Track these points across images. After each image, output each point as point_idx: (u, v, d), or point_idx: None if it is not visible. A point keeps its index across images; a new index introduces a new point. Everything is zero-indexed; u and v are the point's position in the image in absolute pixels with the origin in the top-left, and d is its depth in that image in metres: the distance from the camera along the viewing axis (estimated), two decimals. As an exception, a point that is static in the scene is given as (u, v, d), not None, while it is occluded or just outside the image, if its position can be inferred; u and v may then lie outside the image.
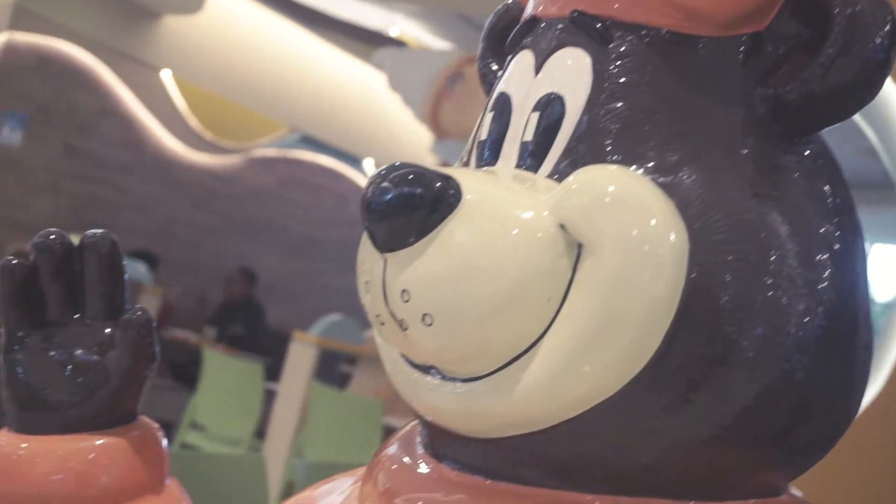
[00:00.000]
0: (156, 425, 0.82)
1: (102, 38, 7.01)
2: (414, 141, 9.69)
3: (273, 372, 5.59)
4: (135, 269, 6.49)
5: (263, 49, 7.97)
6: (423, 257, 0.58)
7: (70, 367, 0.76)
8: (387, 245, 0.60)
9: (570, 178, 0.59)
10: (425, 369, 0.63)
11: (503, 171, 0.65)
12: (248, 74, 7.99)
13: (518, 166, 0.65)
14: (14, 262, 0.77)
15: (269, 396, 5.41)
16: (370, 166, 9.39)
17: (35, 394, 0.77)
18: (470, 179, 0.60)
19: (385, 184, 0.59)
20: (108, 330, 0.78)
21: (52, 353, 0.77)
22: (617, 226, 0.57)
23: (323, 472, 2.28)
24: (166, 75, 7.49)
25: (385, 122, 9.23)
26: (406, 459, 0.68)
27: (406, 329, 0.60)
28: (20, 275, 0.77)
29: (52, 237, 0.78)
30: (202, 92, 7.74)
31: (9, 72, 6.55)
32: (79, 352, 0.77)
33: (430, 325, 0.58)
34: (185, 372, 7.11)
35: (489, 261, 0.57)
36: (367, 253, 0.63)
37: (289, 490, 4.19)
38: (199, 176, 7.90)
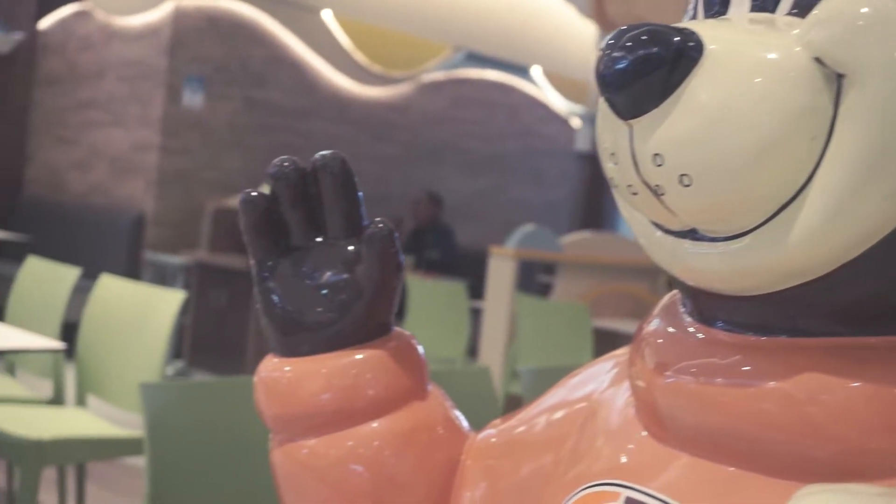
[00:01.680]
0: (409, 333, 0.83)
1: (262, -10, 7.14)
2: (579, 40, 9.52)
3: (473, 291, 5.67)
4: (328, 209, 6.67)
5: (417, -27, 7.97)
6: (672, 117, 0.56)
7: (324, 287, 0.78)
8: (630, 112, 0.58)
9: (816, 9, 0.56)
10: (684, 234, 0.61)
11: (738, 17, 0.62)
12: (405, 2, 8.00)
13: (753, 9, 0.61)
14: (254, 194, 0.79)
15: (475, 315, 5.49)
16: (538, 74, 9.29)
17: (293, 318, 0.79)
18: (708, 29, 0.58)
19: (618, 51, 0.57)
20: (351, 247, 0.79)
21: (303, 276, 0.79)
22: (880, 49, 0.53)
23: (549, 376, 2.30)
24: (327, 15, 7.58)
25: (547, 26, 9.10)
26: (672, 330, 0.67)
27: (662, 195, 0.58)
28: (262, 205, 0.79)
29: (285, 164, 0.80)
30: (364, 26, 7.81)
31: (182, 37, 6.77)
32: (329, 272, 0.78)
33: (688, 185, 0.56)
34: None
35: (743, 109, 0.55)
36: (608, 123, 0.61)
37: (512, 403, 4.26)
38: (374, 109, 8.01)
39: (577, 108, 9.89)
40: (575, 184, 10.51)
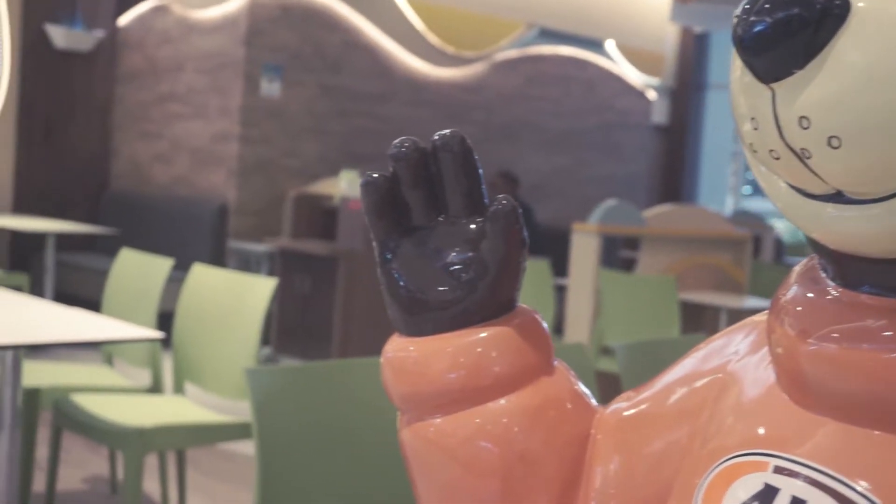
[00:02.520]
0: (532, 309, 0.83)
1: (334, -24, 7.18)
2: (652, 12, 9.42)
3: (556, 268, 5.65)
4: (408, 192, 6.69)
5: (487, -49, 7.94)
6: (818, 79, 0.55)
7: (448, 266, 0.78)
8: (772, 76, 0.57)
9: None
10: (828, 198, 0.59)
11: None
12: (476, -20, 7.97)
13: None
14: (375, 175, 0.80)
15: (558, 292, 5.47)
16: (612, 48, 9.20)
17: (418, 298, 0.79)
18: None
19: (756, 14, 0.56)
20: (474, 225, 0.79)
21: (427, 256, 0.79)
22: None
23: (643, 351, 2.28)
24: (400, -1, 7.59)
25: (620, -1, 9.02)
26: (812, 296, 0.65)
27: (808, 158, 0.57)
28: (383, 186, 0.79)
29: (406, 145, 0.80)
30: (436, 7, 7.80)
31: (258, 27, 6.84)
32: (452, 251, 0.79)
33: (836, 147, 0.55)
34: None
35: (894, 67, 0.53)
36: (746, 87, 0.60)
37: (602, 380, 4.24)
38: (448, 90, 8.01)
39: (653, 80, 9.77)
40: (652, 157, 10.41)
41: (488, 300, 0.80)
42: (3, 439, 2.73)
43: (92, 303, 3.70)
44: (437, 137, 0.80)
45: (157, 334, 2.76)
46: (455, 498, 0.81)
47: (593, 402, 0.83)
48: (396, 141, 0.80)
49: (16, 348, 2.66)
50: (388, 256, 0.82)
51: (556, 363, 0.83)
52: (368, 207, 0.81)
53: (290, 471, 1.68)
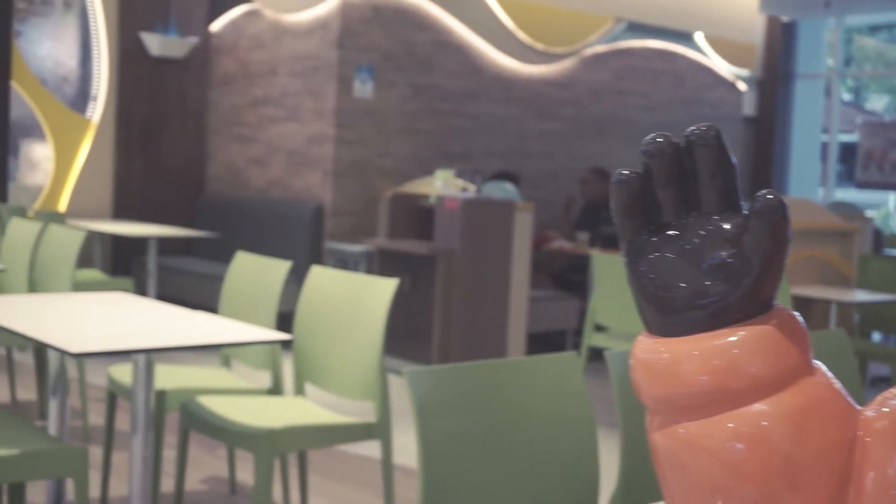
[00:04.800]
0: (787, 307, 0.81)
1: (424, -25, 7.19)
2: (741, 2, 9.27)
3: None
4: (504, 190, 6.68)
5: (575, -54, 7.88)
6: None
7: (705, 264, 0.76)
8: None
9: None
10: None
11: None
12: (564, -25, 7.93)
13: None
14: (628, 173, 0.78)
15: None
16: (701, 40, 9.08)
17: (671, 297, 0.77)
18: None
19: None
20: (732, 221, 0.77)
21: (680, 255, 0.77)
22: None
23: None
24: (489, -4, 7.58)
25: (709, -11, 8.89)
26: None
27: None
28: (636, 184, 0.78)
29: (660, 141, 0.78)
30: (525, 5, 7.77)
31: (350, 29, 6.88)
32: (709, 248, 0.76)
33: None
34: (565, 279, 7.28)
35: None
36: None
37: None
38: (538, 87, 7.98)
39: (742, 71, 9.62)
40: (743, 149, 10.25)
41: (748, 299, 0.77)
42: (137, 440, 2.77)
43: (192, 305, 3.75)
44: (691, 132, 0.77)
45: (286, 336, 2.78)
46: (714, 499, 0.79)
47: (854, 403, 0.80)
48: (649, 137, 0.78)
49: (148, 352, 2.70)
50: (639, 256, 0.80)
51: (816, 363, 0.80)
52: (620, 206, 0.79)
53: (450, 468, 1.67)
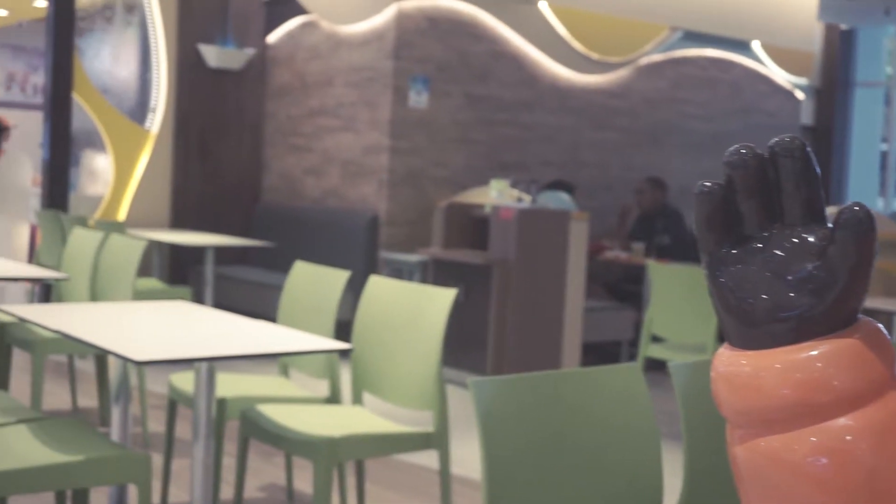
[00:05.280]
0: (871, 320, 0.80)
1: (479, -14, 7.21)
2: (799, 10, 9.17)
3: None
4: (560, 200, 6.66)
5: (630, -45, 7.86)
6: None
7: (790, 276, 0.75)
8: None
9: None
10: None
11: None
12: (620, -15, 7.90)
13: None
14: (710, 185, 0.77)
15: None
16: (758, 48, 9.00)
17: (754, 309, 0.77)
18: None
19: None
20: (816, 233, 0.76)
21: (763, 267, 0.77)
22: None
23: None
24: (544, 6, 7.57)
25: (766, -3, 8.81)
26: None
27: None
28: (719, 196, 0.77)
29: (743, 152, 0.78)
30: (580, 14, 7.76)
31: (405, 39, 6.91)
32: (794, 260, 0.76)
33: None
34: (620, 289, 7.24)
35: None
36: None
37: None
38: (593, 96, 7.95)
39: (800, 80, 9.52)
40: (801, 159, 10.12)
41: (833, 312, 0.77)
42: (199, 447, 2.80)
43: (247, 313, 3.77)
44: (776, 143, 0.77)
45: (346, 345, 2.80)
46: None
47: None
48: (732, 148, 0.78)
49: (210, 360, 2.73)
50: (720, 268, 0.79)
51: (902, 374, 0.79)
52: (701, 218, 0.79)
53: (513, 478, 1.67)
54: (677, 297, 5.15)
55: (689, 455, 1.94)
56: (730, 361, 0.80)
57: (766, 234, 0.78)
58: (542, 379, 1.76)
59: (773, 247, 0.77)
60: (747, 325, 0.78)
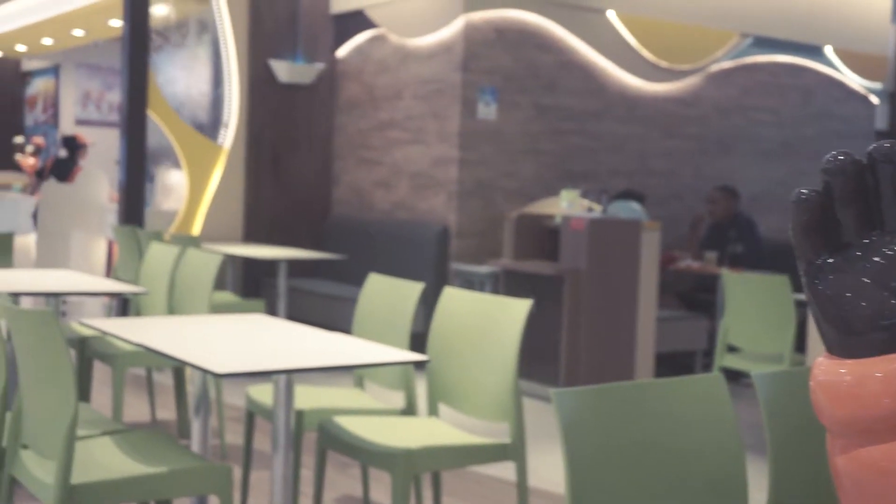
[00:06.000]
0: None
1: (546, -4, 7.21)
2: (872, 13, 9.01)
3: (795, 284, 5.43)
4: (631, 209, 6.62)
5: (699, -38, 7.80)
6: None
7: (891, 283, 0.75)
8: None
9: None
10: None
11: None
12: (688, -8, 7.84)
13: None
14: (808, 192, 0.77)
15: (799, 308, 5.26)
16: (831, 53, 8.86)
17: (854, 318, 0.76)
18: None
19: None
20: (917, 241, 0.75)
21: (864, 274, 0.76)
22: None
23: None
24: (612, 15, 7.54)
25: (837, 1, 8.67)
26: None
27: None
28: (817, 204, 0.76)
29: (841, 158, 0.77)
30: (649, 22, 7.72)
31: (473, 51, 6.93)
32: (893, 267, 0.75)
33: None
34: (692, 299, 7.17)
35: None
36: None
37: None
38: (663, 105, 7.90)
39: (874, 84, 9.36)
40: (876, 164, 9.93)
41: (936, 320, 0.75)
42: (278, 459, 2.83)
43: (319, 326, 3.80)
44: (875, 149, 0.76)
45: (422, 357, 2.81)
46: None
47: None
48: (830, 155, 0.77)
49: (289, 373, 2.76)
50: (818, 276, 0.78)
51: None
52: (799, 226, 0.78)
53: (597, 489, 1.67)
54: (753, 306, 5.09)
55: (773, 468, 1.92)
56: (829, 370, 0.79)
57: (865, 242, 0.77)
58: (625, 389, 1.76)
59: (873, 254, 0.76)
60: (847, 334, 0.77)
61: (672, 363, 6.72)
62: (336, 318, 6.84)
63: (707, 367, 6.66)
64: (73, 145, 9.07)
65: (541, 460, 4.34)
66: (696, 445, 1.80)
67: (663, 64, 7.84)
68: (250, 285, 7.75)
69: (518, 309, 3.09)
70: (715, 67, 8.17)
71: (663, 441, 1.76)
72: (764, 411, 1.90)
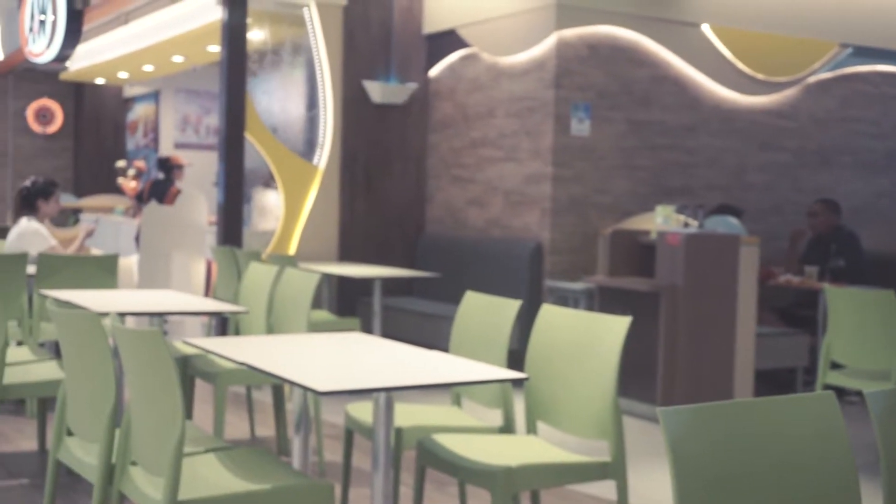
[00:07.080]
0: None
1: (639, 11, 7.15)
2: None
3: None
4: (728, 224, 6.52)
5: (795, -28, 7.67)
6: None
7: None
8: None
9: None
10: None
11: None
12: (783, 3, 7.71)
13: None
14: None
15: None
16: (934, 60, 8.63)
17: None
18: None
19: None
20: None
21: None
22: None
23: None
24: (706, 29, 7.46)
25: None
26: None
27: None
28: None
29: None
30: (744, 35, 7.61)
31: (566, 67, 6.92)
32: None
33: None
34: (792, 315, 7.01)
35: None
36: None
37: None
38: (759, 117, 7.78)
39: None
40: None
41: None
42: (379, 477, 2.84)
43: (414, 344, 3.80)
44: None
45: (521, 375, 2.80)
46: None
47: None
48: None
49: (388, 391, 2.77)
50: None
51: None
52: None
53: (706, 514, 1.64)
54: (858, 322, 4.96)
55: (888, 487, 1.86)
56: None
57: None
58: (733, 408, 1.72)
59: None
60: None
61: (772, 380, 6.59)
62: (430, 335, 6.87)
63: (808, 384, 6.51)
64: (168, 166, 9.26)
65: (639, 478, 4.29)
66: (808, 465, 1.76)
67: (760, 76, 7.72)
68: (345, 304, 7.82)
69: (617, 326, 3.06)
70: (813, 79, 8.02)
71: (774, 460, 1.72)
72: (877, 429, 1.85)
